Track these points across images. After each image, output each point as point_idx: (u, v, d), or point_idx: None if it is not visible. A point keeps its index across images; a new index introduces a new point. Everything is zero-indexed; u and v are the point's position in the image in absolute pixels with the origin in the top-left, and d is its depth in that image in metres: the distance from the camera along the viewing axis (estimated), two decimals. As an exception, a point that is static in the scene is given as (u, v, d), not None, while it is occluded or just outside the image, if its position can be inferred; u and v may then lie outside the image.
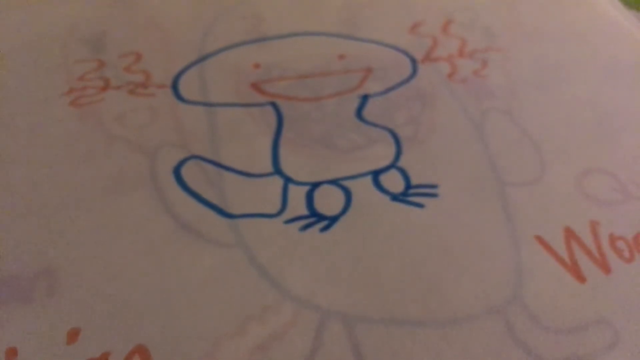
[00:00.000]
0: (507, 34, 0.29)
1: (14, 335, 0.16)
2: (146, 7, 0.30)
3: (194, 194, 0.21)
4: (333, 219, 0.20)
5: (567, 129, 0.24)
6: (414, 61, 0.27)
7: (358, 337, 0.17)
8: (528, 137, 0.23)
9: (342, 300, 0.18)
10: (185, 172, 0.21)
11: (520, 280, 0.18)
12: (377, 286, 0.18)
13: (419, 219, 0.20)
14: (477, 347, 0.17)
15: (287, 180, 0.21)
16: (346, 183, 0.21)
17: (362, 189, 0.21)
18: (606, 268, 0.19)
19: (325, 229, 0.20)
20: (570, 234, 0.20)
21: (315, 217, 0.20)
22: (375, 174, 0.22)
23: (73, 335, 0.16)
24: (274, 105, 0.24)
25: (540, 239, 0.20)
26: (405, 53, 0.28)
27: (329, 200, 0.21)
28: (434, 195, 0.21)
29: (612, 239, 0.20)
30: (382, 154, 0.22)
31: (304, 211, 0.20)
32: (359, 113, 0.24)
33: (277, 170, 0.22)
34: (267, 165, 0.22)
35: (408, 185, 0.21)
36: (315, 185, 0.21)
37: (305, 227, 0.20)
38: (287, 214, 0.20)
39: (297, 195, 0.21)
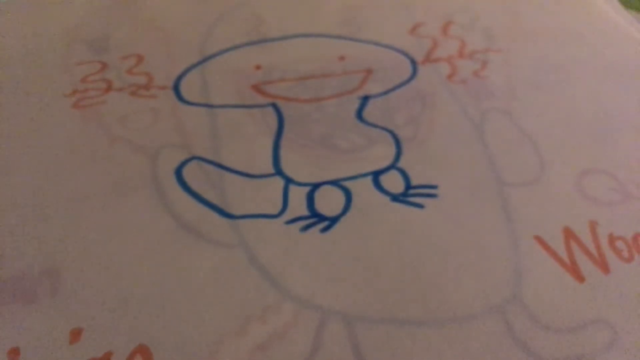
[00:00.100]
0: (507, 35, 0.29)
1: (17, 335, 0.16)
2: (148, 10, 0.30)
3: (195, 195, 0.21)
4: (333, 220, 0.20)
5: (566, 129, 0.24)
6: (414, 62, 0.27)
7: (358, 337, 0.17)
8: (527, 138, 0.23)
9: (343, 300, 0.18)
10: (186, 172, 0.21)
11: (519, 280, 0.18)
12: (377, 286, 0.18)
13: (419, 219, 0.20)
14: (476, 347, 0.17)
15: (288, 180, 0.21)
16: (346, 184, 0.21)
17: (363, 189, 0.21)
18: (605, 268, 0.19)
19: (325, 229, 0.20)
20: (569, 234, 0.20)
21: (315, 218, 0.20)
22: (376, 175, 0.22)
23: (75, 335, 0.17)
24: (274, 106, 0.25)
25: (539, 239, 0.20)
26: (405, 54, 0.28)
27: (329, 201, 0.21)
28: (433, 195, 0.21)
29: (611, 239, 0.20)
30: (382, 154, 0.23)
31: (304, 212, 0.20)
32: (359, 114, 0.24)
33: (278, 171, 0.22)
34: (267, 166, 0.22)
35: (408, 186, 0.21)
36: (315, 186, 0.21)
37: (306, 228, 0.20)
38: (288, 215, 0.20)
39: (297, 195, 0.21)
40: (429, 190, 0.21)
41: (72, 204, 0.20)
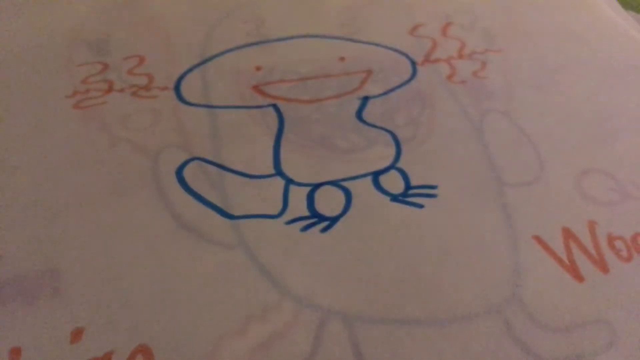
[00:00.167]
0: (506, 36, 0.29)
1: (18, 335, 0.17)
2: (149, 11, 0.30)
3: (196, 195, 0.21)
4: (334, 220, 0.20)
5: (565, 130, 0.24)
6: (413, 63, 0.27)
7: (358, 336, 0.17)
8: (527, 138, 0.24)
9: (343, 299, 0.18)
10: (187, 173, 0.22)
11: (518, 280, 0.19)
12: (377, 286, 0.18)
13: (419, 219, 0.20)
14: (476, 346, 0.17)
15: (288, 181, 0.21)
16: (346, 184, 0.21)
17: (363, 189, 0.21)
18: (604, 268, 0.19)
19: (325, 229, 0.20)
20: (568, 234, 0.20)
21: (316, 218, 0.20)
22: (375, 175, 0.22)
23: (77, 335, 0.17)
24: (275, 107, 0.25)
25: (538, 239, 0.20)
26: (405, 55, 0.28)
27: (329, 201, 0.21)
28: (433, 195, 0.21)
29: (610, 239, 0.20)
30: (382, 154, 0.23)
31: (304, 212, 0.20)
32: (359, 114, 0.24)
33: (278, 172, 0.22)
34: (268, 167, 0.22)
35: (408, 186, 0.21)
36: (316, 186, 0.21)
37: (306, 228, 0.20)
38: (288, 215, 0.20)
39: (298, 196, 0.21)
40: (429, 191, 0.21)
41: (73, 204, 0.20)
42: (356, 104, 0.25)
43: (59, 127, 0.23)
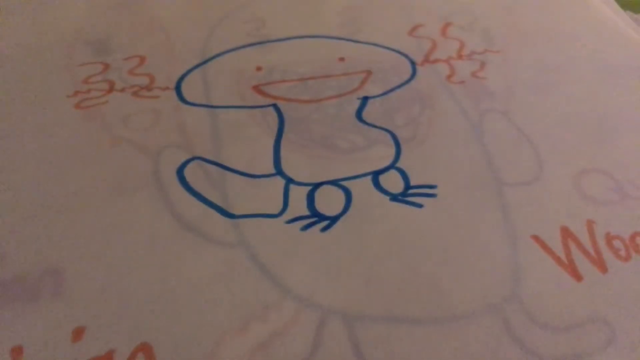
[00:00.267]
0: (505, 36, 0.29)
1: (20, 334, 0.17)
2: (150, 12, 0.30)
3: (196, 195, 0.21)
4: (333, 219, 0.20)
5: (564, 130, 0.24)
6: (413, 63, 0.27)
7: (358, 335, 0.17)
8: (525, 138, 0.24)
9: (342, 298, 0.18)
10: (188, 173, 0.22)
11: (517, 279, 0.19)
12: (376, 285, 0.18)
13: (418, 218, 0.20)
14: (475, 345, 0.17)
15: (289, 180, 0.22)
16: (346, 183, 0.21)
17: (362, 189, 0.21)
18: (603, 267, 0.19)
19: (325, 228, 0.20)
20: (567, 233, 0.20)
21: (316, 217, 0.20)
22: (375, 175, 0.22)
23: (78, 334, 0.17)
24: (275, 107, 0.25)
25: (537, 238, 0.20)
26: (405, 55, 0.28)
27: (329, 201, 0.21)
28: (432, 195, 0.21)
29: (609, 238, 0.20)
30: (382, 154, 0.23)
31: (305, 211, 0.20)
32: (359, 114, 0.25)
33: (279, 171, 0.22)
34: (268, 166, 0.22)
35: (407, 186, 0.21)
36: (316, 186, 0.21)
37: (306, 227, 0.20)
38: (289, 214, 0.20)
39: (298, 195, 0.21)
40: (428, 190, 0.21)
41: (74, 203, 0.20)
42: (356, 104, 0.25)
43: (60, 127, 0.23)
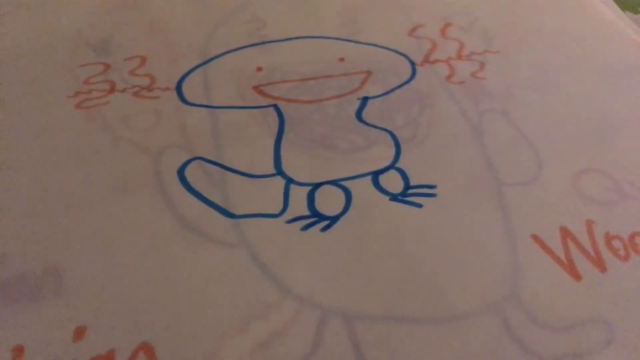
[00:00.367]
0: (504, 37, 0.29)
1: (21, 333, 0.17)
2: (151, 13, 0.30)
3: (197, 195, 0.21)
4: (334, 219, 0.20)
5: (563, 130, 0.24)
6: (413, 64, 0.27)
7: (358, 335, 0.17)
8: (525, 138, 0.24)
9: (342, 298, 0.18)
10: (189, 173, 0.22)
11: (517, 279, 0.19)
12: (376, 284, 0.18)
13: (418, 218, 0.20)
14: (474, 344, 0.17)
15: (289, 180, 0.22)
16: (346, 183, 0.21)
17: (362, 189, 0.21)
18: (602, 266, 0.19)
19: (325, 228, 0.20)
20: (566, 233, 0.20)
21: (316, 217, 0.20)
22: (375, 175, 0.22)
23: (79, 333, 0.17)
24: (275, 107, 0.25)
25: (536, 238, 0.20)
26: (405, 56, 0.28)
27: (329, 201, 0.21)
28: (432, 195, 0.21)
29: (608, 238, 0.20)
30: (382, 155, 0.23)
31: (305, 211, 0.20)
32: (359, 115, 0.25)
33: (279, 171, 0.22)
34: (269, 166, 0.22)
35: (407, 186, 0.22)
36: (316, 186, 0.21)
37: (307, 227, 0.20)
38: (289, 214, 0.20)
39: (298, 195, 0.21)
40: (428, 190, 0.21)
41: (75, 203, 0.20)
42: (356, 104, 0.25)
43: (62, 127, 0.23)
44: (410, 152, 0.23)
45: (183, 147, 0.23)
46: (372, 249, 0.19)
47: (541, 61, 0.28)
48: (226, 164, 0.22)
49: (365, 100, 0.25)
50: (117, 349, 0.16)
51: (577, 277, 0.19)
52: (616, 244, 0.20)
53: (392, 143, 0.23)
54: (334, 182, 0.22)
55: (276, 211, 0.20)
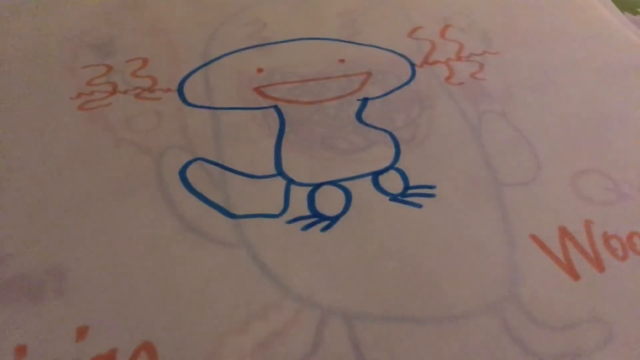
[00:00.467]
0: (503, 38, 0.29)
1: (24, 333, 0.17)
2: (152, 14, 0.30)
3: (198, 195, 0.21)
4: (334, 219, 0.20)
5: (562, 130, 0.24)
6: (412, 65, 0.28)
7: (358, 334, 0.17)
8: (524, 139, 0.24)
9: (342, 298, 0.18)
10: (190, 173, 0.22)
11: (515, 278, 0.19)
12: (376, 284, 0.19)
13: (417, 218, 0.21)
14: (474, 344, 0.17)
15: (289, 181, 0.22)
16: (346, 184, 0.22)
17: (362, 189, 0.21)
18: (600, 266, 0.19)
19: (326, 228, 0.20)
20: (564, 233, 0.20)
21: (316, 217, 0.20)
22: (375, 175, 0.22)
23: (81, 333, 0.17)
24: (276, 108, 0.25)
25: (535, 238, 0.20)
26: (404, 57, 0.28)
27: (329, 201, 0.21)
28: (431, 195, 0.21)
29: (606, 238, 0.20)
30: (382, 155, 0.23)
31: (305, 211, 0.21)
32: (359, 116, 0.25)
33: (280, 172, 0.22)
34: (269, 167, 0.22)
35: (407, 186, 0.22)
36: (316, 186, 0.22)
37: (307, 227, 0.20)
38: (289, 214, 0.20)
39: (298, 195, 0.21)
40: (427, 190, 0.22)
41: (77, 204, 0.21)
42: (356, 105, 0.25)
43: (64, 128, 0.24)
44: (409, 152, 0.23)
45: (184, 148, 0.23)
46: (372, 248, 0.20)
47: (540, 62, 0.28)
48: (227, 164, 0.22)
49: (365, 101, 0.25)
50: (118, 348, 0.17)
51: (576, 276, 0.19)
52: (614, 243, 0.20)
53: (391, 144, 0.23)
54: (334, 183, 0.22)
55: (277, 211, 0.21)
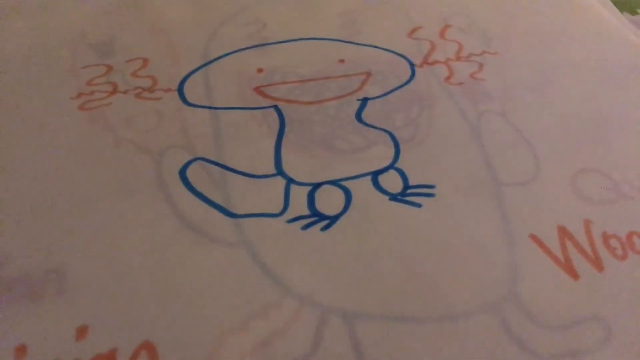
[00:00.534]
0: (503, 38, 0.30)
1: (24, 333, 0.17)
2: (152, 14, 0.30)
3: (199, 195, 0.21)
4: (333, 219, 0.20)
5: (561, 130, 0.24)
6: (412, 65, 0.28)
7: (358, 334, 0.17)
8: (523, 138, 0.24)
9: (342, 297, 0.18)
10: (190, 173, 0.22)
11: (515, 278, 0.19)
12: (376, 284, 0.19)
13: (417, 218, 0.21)
14: (473, 344, 0.17)
15: (289, 180, 0.22)
16: (346, 183, 0.22)
17: (362, 189, 0.21)
18: (599, 266, 0.19)
19: (325, 228, 0.20)
20: (564, 233, 0.20)
21: (316, 217, 0.20)
22: (375, 175, 0.22)
23: (82, 332, 0.17)
24: (276, 108, 0.25)
25: (534, 238, 0.20)
26: (404, 57, 0.28)
27: (329, 200, 0.21)
28: (431, 195, 0.21)
29: (605, 237, 0.20)
30: (381, 155, 0.23)
31: (305, 211, 0.21)
32: (358, 115, 0.25)
33: (280, 171, 0.22)
34: (269, 167, 0.22)
35: (406, 186, 0.22)
36: (316, 186, 0.22)
37: (307, 227, 0.20)
38: (289, 214, 0.20)
39: (298, 195, 0.21)
40: (427, 190, 0.22)
41: (78, 204, 0.21)
42: (356, 105, 0.25)
43: (64, 128, 0.24)
44: (409, 152, 0.23)
45: (184, 147, 0.23)
46: (372, 248, 0.20)
47: (539, 62, 0.28)
48: (227, 164, 0.22)
49: (365, 101, 0.26)
50: (118, 348, 0.17)
51: (575, 276, 0.19)
52: (613, 243, 0.20)
53: (391, 143, 0.24)
54: (334, 182, 0.22)
55: (277, 211, 0.21)
